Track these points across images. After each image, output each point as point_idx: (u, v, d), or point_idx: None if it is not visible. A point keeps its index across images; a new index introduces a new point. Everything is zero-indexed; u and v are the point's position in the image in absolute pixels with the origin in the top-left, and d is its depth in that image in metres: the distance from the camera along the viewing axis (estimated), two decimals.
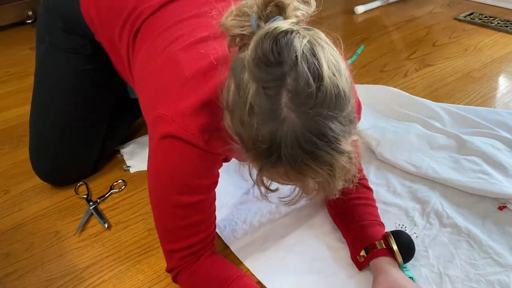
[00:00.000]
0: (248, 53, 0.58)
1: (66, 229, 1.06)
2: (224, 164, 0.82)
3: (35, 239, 1.04)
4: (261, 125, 0.57)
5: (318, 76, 0.56)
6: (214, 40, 0.74)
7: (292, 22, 0.59)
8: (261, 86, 0.57)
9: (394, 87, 1.45)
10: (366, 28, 1.99)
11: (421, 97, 1.39)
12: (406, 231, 0.90)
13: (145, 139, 1.29)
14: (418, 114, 1.30)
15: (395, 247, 0.84)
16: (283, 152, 0.57)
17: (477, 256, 0.90)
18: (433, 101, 1.36)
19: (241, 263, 0.93)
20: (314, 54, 0.56)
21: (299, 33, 0.57)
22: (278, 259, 0.94)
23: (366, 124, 1.26)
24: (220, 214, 1.02)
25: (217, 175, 0.80)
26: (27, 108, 1.19)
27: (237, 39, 0.63)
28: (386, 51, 1.77)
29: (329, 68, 0.57)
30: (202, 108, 0.70)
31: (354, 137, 0.62)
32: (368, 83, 1.53)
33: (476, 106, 1.36)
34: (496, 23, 1.92)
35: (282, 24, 0.58)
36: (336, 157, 0.58)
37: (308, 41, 0.57)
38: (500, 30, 1.86)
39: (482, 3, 2.13)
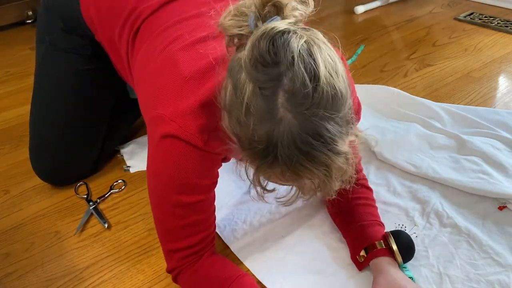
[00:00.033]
0: (245, 53, 0.58)
1: (66, 229, 1.06)
2: (224, 163, 0.82)
3: (35, 239, 1.04)
4: (257, 126, 0.58)
5: (314, 76, 0.56)
6: (213, 40, 0.74)
7: (290, 22, 0.59)
8: (257, 86, 0.57)
9: (394, 87, 1.45)
10: (366, 28, 1.99)
11: (421, 97, 1.39)
12: (406, 231, 0.90)
13: (145, 139, 1.29)
14: (418, 114, 1.30)
15: (395, 247, 0.84)
16: (280, 152, 0.57)
17: (477, 256, 0.90)
18: (433, 101, 1.36)
19: (241, 263, 0.93)
20: (311, 55, 0.56)
21: (296, 33, 0.57)
22: (278, 259, 0.94)
23: (366, 124, 1.26)
24: (220, 214, 1.03)
25: (217, 175, 0.80)
26: (27, 108, 1.19)
27: (236, 39, 0.63)
28: (386, 51, 1.77)
29: (326, 68, 0.56)
30: (201, 108, 0.70)
31: (352, 138, 0.62)
32: (368, 83, 1.53)
33: (476, 106, 1.36)
34: (496, 23, 1.92)
35: (279, 24, 0.58)
36: (333, 158, 0.58)
37: (305, 41, 0.57)
38: (500, 30, 1.86)
39: (482, 3, 2.13)
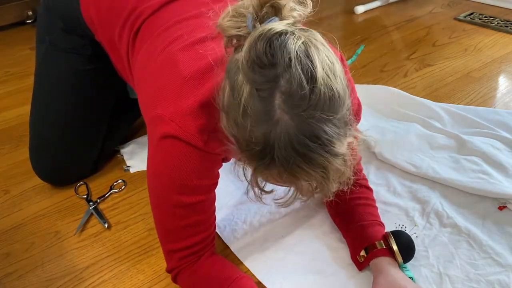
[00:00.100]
0: (242, 54, 0.58)
1: (66, 229, 1.06)
2: (224, 164, 0.82)
3: (35, 239, 1.04)
4: (254, 127, 0.57)
5: (311, 78, 0.55)
6: (212, 41, 0.74)
7: (288, 23, 0.59)
8: (254, 88, 0.57)
9: (394, 87, 1.45)
10: (366, 28, 1.99)
11: (421, 97, 1.39)
12: (406, 231, 0.90)
13: (145, 139, 1.29)
14: (418, 114, 1.30)
15: (395, 247, 0.84)
16: (276, 154, 0.57)
17: (477, 256, 0.90)
18: (433, 101, 1.36)
19: (241, 263, 0.93)
20: (308, 56, 0.56)
21: (294, 34, 0.57)
22: (278, 259, 0.94)
23: (366, 124, 1.26)
24: (220, 214, 1.03)
25: (217, 176, 0.80)
26: (27, 108, 1.19)
27: (234, 40, 0.63)
28: (386, 51, 1.77)
29: (323, 69, 0.56)
30: (201, 109, 0.70)
31: (350, 139, 0.62)
32: (368, 83, 1.53)
33: (476, 106, 1.36)
34: (496, 23, 1.92)
35: (276, 25, 0.58)
36: (330, 159, 0.58)
37: (302, 43, 0.57)
38: (500, 30, 1.86)
39: (482, 3, 2.13)
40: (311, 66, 0.55)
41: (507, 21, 1.92)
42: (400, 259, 0.84)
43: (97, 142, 1.20)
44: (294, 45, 0.56)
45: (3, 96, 1.66)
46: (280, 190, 0.67)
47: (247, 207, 1.06)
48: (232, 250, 0.96)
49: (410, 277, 0.85)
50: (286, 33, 0.57)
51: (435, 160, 1.13)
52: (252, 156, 0.60)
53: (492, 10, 2.06)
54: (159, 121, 0.72)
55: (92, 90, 1.14)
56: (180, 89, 0.72)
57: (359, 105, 0.87)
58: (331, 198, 0.67)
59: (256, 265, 0.93)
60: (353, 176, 0.65)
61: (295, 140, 0.56)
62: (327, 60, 0.57)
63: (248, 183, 0.65)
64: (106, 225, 1.05)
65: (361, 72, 1.61)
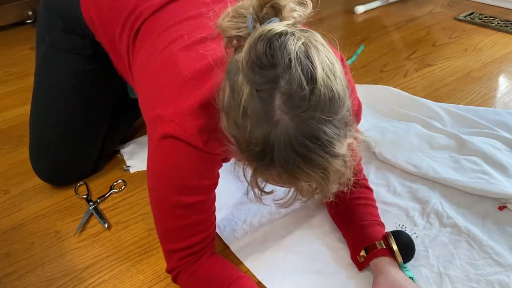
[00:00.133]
0: (242, 55, 0.58)
1: (66, 229, 1.06)
2: (224, 164, 0.82)
3: (35, 239, 1.04)
4: (254, 128, 0.57)
5: (311, 78, 0.55)
6: (213, 41, 0.74)
7: (288, 24, 0.59)
8: (254, 88, 0.57)
9: (394, 87, 1.45)
10: (366, 28, 1.99)
11: (421, 97, 1.39)
12: (406, 231, 0.90)
13: (145, 139, 1.29)
14: (418, 114, 1.30)
15: (395, 247, 0.84)
16: (276, 155, 0.57)
17: (477, 256, 0.90)
18: (433, 101, 1.36)
19: (241, 263, 0.93)
20: (308, 57, 0.56)
21: (294, 35, 0.57)
22: (278, 259, 0.94)
23: (366, 124, 1.26)
24: (220, 214, 1.03)
25: (217, 176, 0.80)
26: (27, 108, 1.19)
27: (234, 41, 0.63)
28: (386, 51, 1.77)
29: (323, 70, 0.56)
30: (201, 109, 0.70)
31: (350, 140, 0.62)
32: (368, 83, 1.53)
33: (476, 106, 1.36)
34: (496, 23, 1.92)
35: (276, 26, 0.58)
36: (330, 160, 0.58)
37: (302, 43, 0.56)
38: (500, 30, 1.86)
39: (482, 3, 2.13)
40: (311, 67, 0.55)
41: (507, 21, 1.92)
42: (400, 259, 0.84)
43: (97, 142, 1.20)
44: (294, 46, 0.56)
45: (3, 96, 1.66)
46: (280, 191, 0.67)
47: (247, 207, 1.06)
48: (232, 250, 0.96)
49: (410, 277, 0.85)
50: (286, 33, 0.57)
51: (435, 160, 1.13)
52: (252, 157, 0.60)
53: (492, 10, 2.06)
54: (159, 121, 0.72)
55: (92, 90, 1.14)
56: (180, 89, 0.72)
57: (359, 105, 0.87)
58: (331, 199, 0.67)
59: (256, 265, 0.93)
60: (353, 176, 0.65)
61: (295, 141, 0.56)
62: (327, 61, 0.57)
63: (248, 183, 0.65)
64: (106, 225, 1.05)
65: (361, 72, 1.61)
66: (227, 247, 0.97)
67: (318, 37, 0.60)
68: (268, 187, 0.67)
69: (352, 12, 2.15)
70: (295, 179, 0.60)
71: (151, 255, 0.98)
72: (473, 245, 0.92)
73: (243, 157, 0.63)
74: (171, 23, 0.83)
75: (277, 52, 0.55)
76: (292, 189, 0.65)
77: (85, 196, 1.15)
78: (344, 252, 0.93)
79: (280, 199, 0.67)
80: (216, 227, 0.88)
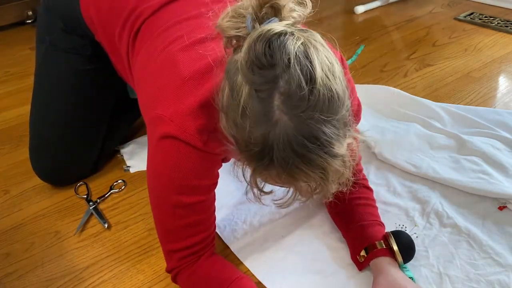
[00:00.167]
0: (241, 55, 0.58)
1: (66, 229, 1.06)
2: (224, 164, 0.82)
3: (35, 239, 1.04)
4: (253, 128, 0.57)
5: (310, 78, 0.55)
6: (212, 41, 0.74)
7: (288, 24, 0.59)
8: (253, 88, 0.56)
9: (394, 87, 1.45)
10: (366, 28, 1.99)
11: (421, 97, 1.39)
12: (406, 231, 0.90)
13: (145, 139, 1.29)
14: (418, 114, 1.30)
15: (395, 247, 0.84)
16: (275, 155, 0.57)
17: (477, 256, 0.90)
18: (433, 101, 1.36)
19: (241, 263, 0.93)
20: (307, 57, 0.56)
21: (293, 35, 0.57)
22: (278, 259, 0.94)
23: (366, 124, 1.26)
24: (220, 214, 1.03)
25: (217, 176, 0.80)
26: (27, 108, 1.19)
27: (233, 41, 0.63)
28: (386, 51, 1.77)
29: (322, 70, 0.56)
30: (200, 109, 0.70)
31: (349, 140, 0.62)
32: (368, 83, 1.53)
33: (476, 106, 1.36)
34: (496, 23, 1.92)
35: (276, 26, 0.58)
36: (329, 160, 0.58)
37: (302, 43, 0.56)
38: (500, 30, 1.86)
39: (482, 3, 2.13)
40: (310, 67, 0.55)
41: (507, 21, 1.92)
42: (400, 259, 0.84)
43: (97, 142, 1.20)
44: (293, 46, 0.56)
45: (3, 96, 1.66)
46: (279, 191, 0.67)
47: (247, 207, 1.06)
48: (232, 250, 0.96)
49: (410, 277, 0.85)
50: (286, 33, 0.56)
51: (435, 160, 1.13)
52: (251, 157, 0.60)
53: (492, 10, 2.06)
54: (159, 121, 0.72)
55: (92, 90, 1.14)
56: (180, 89, 0.72)
57: (359, 105, 0.87)
58: (330, 199, 0.67)
59: (256, 265, 0.93)
60: (352, 177, 0.65)
61: (294, 141, 0.56)
62: (326, 61, 0.57)
63: (247, 183, 0.65)
64: (106, 225, 1.05)
65: (361, 72, 1.61)
66: (227, 247, 0.97)
67: (318, 37, 0.60)
68: (267, 187, 0.67)
69: (352, 12, 2.15)
70: (294, 179, 0.60)
71: (151, 255, 0.98)
72: (473, 245, 0.92)
73: (242, 157, 0.63)
74: (171, 23, 0.83)
75: (276, 52, 0.55)
76: (291, 189, 0.65)
77: (85, 196, 1.15)
78: (344, 252, 0.93)
79: (279, 199, 0.67)
80: (216, 227, 0.88)
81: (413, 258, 0.88)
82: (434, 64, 1.64)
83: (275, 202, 0.68)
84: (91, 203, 1.12)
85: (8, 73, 1.82)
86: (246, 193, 0.67)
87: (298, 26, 0.61)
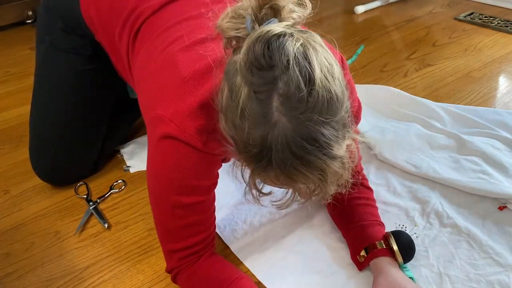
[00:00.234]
0: (240, 56, 0.58)
1: (66, 229, 1.06)
2: (224, 164, 0.82)
3: (35, 239, 1.04)
4: (252, 129, 0.57)
5: (309, 80, 0.55)
6: (213, 42, 0.74)
7: (287, 25, 0.59)
8: (252, 90, 0.56)
9: (394, 87, 1.46)
10: (366, 28, 1.99)
11: (421, 97, 1.39)
12: (406, 231, 0.90)
13: (145, 139, 1.29)
14: (418, 114, 1.30)
15: (395, 247, 0.84)
16: (274, 156, 0.57)
17: (477, 256, 0.90)
18: (433, 101, 1.36)
19: (241, 263, 0.93)
20: (306, 58, 0.56)
21: (292, 36, 0.57)
22: (278, 259, 0.94)
23: (366, 125, 1.26)
24: (220, 214, 1.03)
25: (217, 176, 0.80)
26: (27, 108, 1.19)
27: (233, 41, 0.63)
28: (386, 51, 1.77)
29: (321, 72, 0.56)
30: (200, 109, 0.70)
31: (348, 142, 0.62)
32: (368, 83, 1.53)
33: (476, 106, 1.36)
34: (496, 23, 1.92)
35: (275, 27, 0.57)
36: (328, 162, 0.58)
37: (301, 44, 0.56)
38: (500, 30, 1.86)
39: (482, 3, 2.13)
40: (309, 68, 0.55)
41: (507, 21, 1.92)
42: (400, 259, 0.84)
43: (97, 142, 1.20)
44: (292, 47, 0.56)
45: (3, 96, 1.66)
46: (278, 192, 0.67)
47: (247, 207, 1.06)
48: (232, 250, 0.96)
49: (410, 277, 0.85)
50: (285, 35, 0.56)
51: (435, 160, 1.13)
52: (250, 158, 0.60)
53: (492, 10, 2.06)
54: (159, 121, 0.72)
55: (92, 90, 1.14)
56: (180, 90, 0.72)
57: (359, 106, 0.87)
58: (329, 200, 0.67)
59: (256, 265, 0.93)
60: (351, 178, 0.65)
61: (293, 143, 0.56)
62: (325, 62, 0.57)
63: (246, 184, 0.65)
64: (106, 225, 1.05)
65: (361, 72, 1.61)
66: (227, 247, 0.97)
67: (317, 38, 0.60)
68: (266, 188, 0.66)
69: (352, 12, 2.15)
70: (292, 181, 0.60)
71: (151, 255, 0.98)
72: (473, 245, 0.92)
73: (241, 158, 0.63)
74: (171, 23, 0.83)
75: (275, 53, 0.55)
76: (290, 191, 0.65)
77: (85, 196, 1.15)
78: (344, 252, 0.93)
79: (278, 200, 0.67)
80: (216, 227, 0.88)
81: (413, 258, 0.88)
82: (434, 64, 1.64)
83: (274, 203, 0.68)
84: (91, 203, 1.12)
85: (8, 73, 1.82)
86: (245, 194, 0.67)
87: (298, 27, 0.61)
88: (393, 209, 1.02)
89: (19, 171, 1.26)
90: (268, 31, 0.57)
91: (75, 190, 1.17)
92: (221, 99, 0.63)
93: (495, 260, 0.88)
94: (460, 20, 1.99)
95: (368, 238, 0.87)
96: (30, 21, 2.20)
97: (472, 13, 2.03)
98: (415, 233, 0.95)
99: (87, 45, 1.07)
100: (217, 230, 0.97)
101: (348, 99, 0.61)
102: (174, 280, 0.86)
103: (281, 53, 0.55)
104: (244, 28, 0.60)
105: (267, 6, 0.59)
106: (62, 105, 1.12)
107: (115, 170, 1.24)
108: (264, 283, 0.89)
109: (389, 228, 0.93)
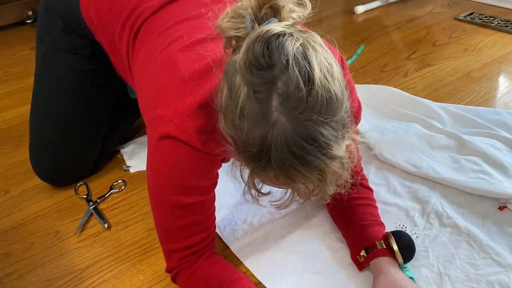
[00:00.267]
0: (239, 56, 0.58)
1: (66, 229, 1.06)
2: (224, 164, 0.82)
3: (35, 239, 1.04)
4: (251, 129, 0.57)
5: (309, 80, 0.55)
6: (213, 41, 0.74)
7: (287, 25, 0.59)
8: (251, 89, 0.56)
9: (394, 87, 1.46)
10: (366, 28, 1.99)
11: (421, 97, 1.39)
12: (406, 231, 0.90)
13: (145, 139, 1.29)
14: (418, 114, 1.30)
15: (395, 247, 0.84)
16: (273, 156, 0.57)
17: (477, 256, 0.90)
18: (433, 101, 1.36)
19: (241, 263, 0.93)
20: (306, 58, 0.56)
21: (292, 36, 0.57)
22: (278, 259, 0.94)
23: (366, 125, 1.26)
24: (220, 214, 1.03)
25: (216, 176, 0.80)
26: (27, 108, 1.19)
27: (233, 41, 0.63)
28: (386, 51, 1.77)
29: (321, 71, 0.56)
30: (200, 109, 0.70)
31: (348, 142, 0.62)
32: (368, 83, 1.53)
33: (476, 106, 1.36)
34: (496, 23, 1.92)
35: (274, 27, 0.57)
36: (327, 162, 0.58)
37: (300, 44, 0.56)
38: (500, 30, 1.86)
39: (482, 3, 2.13)
40: (308, 68, 0.55)
41: (507, 21, 1.92)
42: (400, 259, 0.84)
43: (97, 142, 1.20)
44: (292, 46, 0.55)
45: (3, 96, 1.66)
46: (278, 192, 0.67)
47: (247, 207, 1.06)
48: (232, 250, 0.96)
49: (410, 277, 0.85)
50: (284, 34, 0.56)
51: (435, 160, 1.13)
52: (249, 158, 0.60)
53: (492, 10, 2.06)
54: (158, 121, 0.72)
55: (92, 90, 1.14)
56: (180, 90, 0.72)
57: (359, 106, 0.87)
58: (328, 200, 0.66)
59: (256, 265, 0.93)
60: (350, 178, 0.65)
61: (292, 143, 0.56)
62: (325, 62, 0.57)
63: (245, 184, 0.65)
64: (106, 225, 1.05)
65: (361, 72, 1.61)
66: (227, 247, 0.97)
67: (317, 38, 0.60)
68: (265, 188, 0.66)
69: (352, 12, 2.15)
70: (291, 181, 0.60)
71: (151, 255, 0.98)
72: (473, 245, 0.92)
73: (240, 158, 0.63)
74: (171, 23, 0.83)
75: (275, 53, 0.55)
76: (289, 191, 0.65)
77: (85, 196, 1.15)
78: (344, 252, 0.93)
79: (277, 200, 0.67)
80: (216, 227, 0.88)
81: (413, 258, 0.88)
82: (434, 64, 1.64)
83: (273, 203, 0.68)
84: (91, 203, 1.12)
85: (8, 73, 1.82)
86: (244, 194, 0.67)
87: (298, 27, 0.61)
88: (393, 209, 1.02)
89: (19, 171, 1.26)
90: (268, 30, 0.57)
91: (75, 190, 1.17)
92: (220, 99, 0.63)
93: (495, 260, 0.88)
94: (460, 20, 1.99)
95: (368, 238, 0.87)
96: (30, 21, 2.20)
97: (472, 13, 2.03)
98: (415, 233, 0.95)
99: (87, 45, 1.07)
100: (217, 230, 0.97)
101: (347, 99, 0.61)
102: (173, 280, 0.86)
103: (281, 53, 0.55)
104: (243, 27, 0.60)
105: (267, 5, 0.59)
106: (62, 105, 1.12)
107: (115, 170, 1.24)
108: (264, 283, 0.89)
109: (389, 228, 0.93)
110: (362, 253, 0.87)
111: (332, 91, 0.57)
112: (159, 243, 0.86)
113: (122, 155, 1.28)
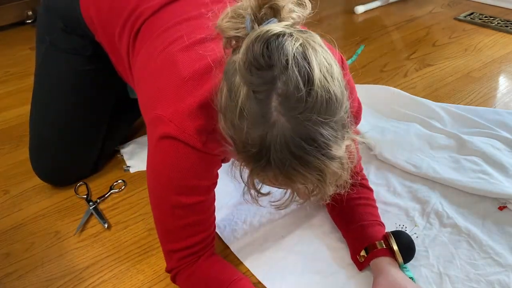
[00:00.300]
0: (239, 56, 0.58)
1: (66, 229, 1.06)
2: (223, 164, 0.82)
3: (35, 239, 1.04)
4: (251, 129, 0.57)
5: (308, 80, 0.55)
6: (213, 42, 0.74)
7: (287, 25, 0.59)
8: (251, 89, 0.56)
9: (394, 87, 1.46)
10: (366, 28, 1.99)
11: (421, 97, 1.39)
12: (406, 231, 0.90)
13: (145, 139, 1.29)
14: (418, 114, 1.30)
15: (395, 247, 0.84)
16: (273, 156, 0.57)
17: (477, 256, 0.90)
18: (433, 101, 1.36)
19: (241, 263, 0.93)
20: (305, 58, 0.56)
21: (292, 36, 0.57)
22: (278, 259, 0.94)
23: (366, 125, 1.26)
24: (220, 214, 1.03)
25: (216, 176, 0.80)
26: (27, 108, 1.19)
27: (233, 41, 0.63)
28: (386, 51, 1.77)
29: (320, 72, 0.56)
30: (200, 110, 0.70)
31: (348, 142, 0.62)
32: (368, 83, 1.53)
33: (476, 106, 1.36)
34: (496, 23, 1.92)
35: (274, 27, 0.57)
36: (327, 162, 0.58)
37: (300, 44, 0.56)
38: (500, 30, 1.86)
39: (482, 3, 2.13)
40: (308, 68, 0.55)
41: (507, 21, 1.92)
42: (400, 259, 0.84)
43: (97, 142, 1.20)
44: (291, 47, 0.55)
45: (3, 96, 1.66)
46: (277, 192, 0.67)
47: (247, 207, 1.06)
48: (232, 250, 0.96)
49: (410, 277, 0.85)
50: (284, 34, 0.56)
51: (435, 160, 1.13)
52: (249, 158, 0.60)
53: (492, 10, 2.06)
54: (158, 121, 0.72)
55: (92, 90, 1.14)
56: (180, 90, 0.72)
57: (359, 106, 0.87)
58: (328, 201, 0.66)
59: (256, 265, 0.93)
60: (350, 178, 0.65)
61: (291, 143, 0.56)
62: (324, 62, 0.57)
63: (245, 184, 0.65)
64: (106, 225, 1.05)
65: (361, 72, 1.61)
66: (227, 247, 0.97)
67: (317, 38, 0.60)
68: (265, 189, 0.66)
69: (352, 12, 2.15)
70: (291, 181, 0.60)
71: (151, 255, 0.98)
72: (473, 245, 0.92)
73: (240, 158, 0.63)
74: (171, 23, 0.83)
75: (274, 53, 0.55)
76: (289, 191, 0.65)
77: (85, 196, 1.15)
78: (344, 252, 0.93)
79: (277, 201, 0.67)
80: (216, 227, 0.88)
81: (413, 258, 0.88)
82: (434, 64, 1.64)
83: (273, 203, 0.68)
84: (91, 203, 1.12)
85: (8, 73, 1.83)
86: (244, 194, 0.67)
87: (297, 27, 0.61)
88: (393, 209, 1.02)
89: (19, 171, 1.26)
90: (267, 30, 0.57)
91: (75, 190, 1.17)
92: (220, 99, 0.63)
93: (495, 260, 0.88)
94: (460, 20, 1.99)
95: (368, 238, 0.87)
96: (30, 21, 2.20)
97: (472, 13, 2.03)
98: (415, 233, 0.95)
99: (87, 45, 1.07)
100: (217, 230, 0.97)
101: (347, 100, 0.61)
102: (173, 280, 0.86)
103: (280, 53, 0.55)
104: (243, 28, 0.60)
105: (266, 6, 0.59)
106: (62, 105, 1.12)
107: (115, 170, 1.24)
108: (264, 283, 0.89)
109: (389, 228, 0.93)
110: (362, 253, 0.87)
111: (331, 91, 0.56)
112: (159, 243, 0.86)
113: (122, 155, 1.28)
